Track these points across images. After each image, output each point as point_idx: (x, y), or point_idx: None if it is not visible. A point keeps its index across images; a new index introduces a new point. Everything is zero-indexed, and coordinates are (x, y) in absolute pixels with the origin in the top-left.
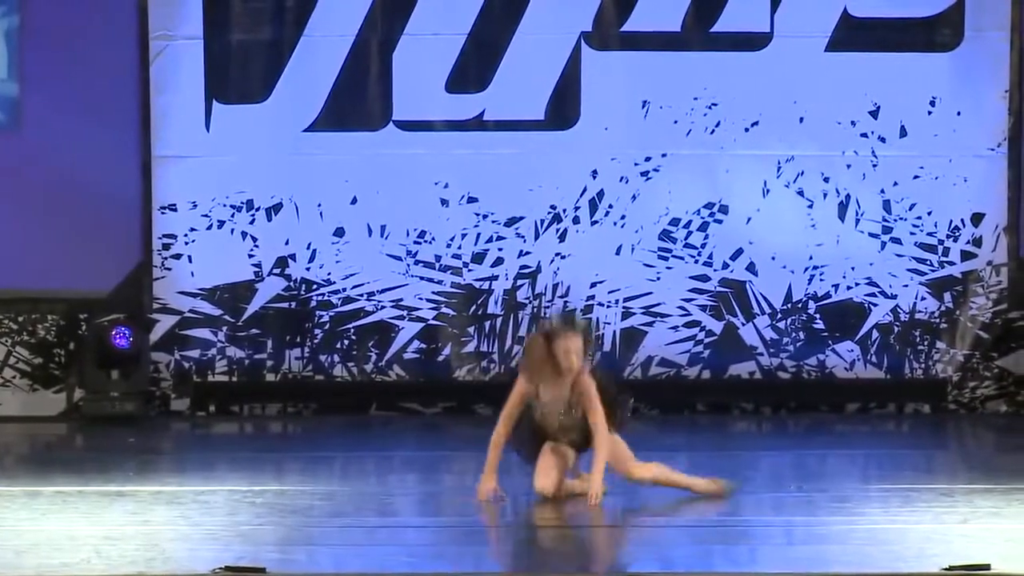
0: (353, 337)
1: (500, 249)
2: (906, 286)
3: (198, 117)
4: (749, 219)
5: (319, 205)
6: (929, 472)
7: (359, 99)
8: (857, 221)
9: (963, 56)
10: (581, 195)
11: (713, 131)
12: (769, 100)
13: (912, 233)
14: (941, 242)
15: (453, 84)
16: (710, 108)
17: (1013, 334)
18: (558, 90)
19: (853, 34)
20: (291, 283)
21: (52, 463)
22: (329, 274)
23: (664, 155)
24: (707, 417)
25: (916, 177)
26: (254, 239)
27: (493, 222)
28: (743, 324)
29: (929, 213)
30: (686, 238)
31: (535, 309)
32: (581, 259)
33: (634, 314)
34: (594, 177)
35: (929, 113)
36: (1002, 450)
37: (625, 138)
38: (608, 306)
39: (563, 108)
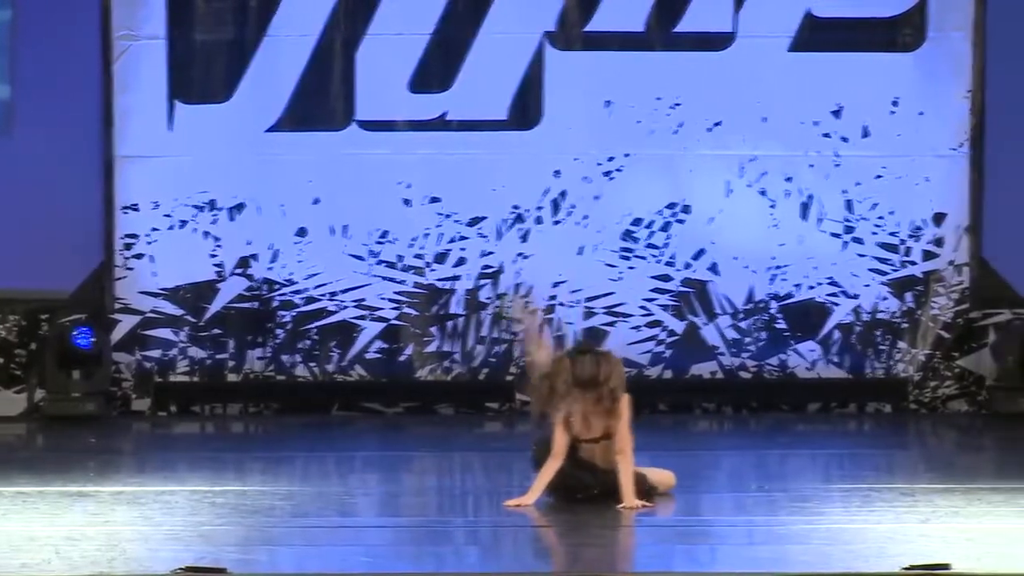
0: (315, 337)
1: (463, 249)
2: (868, 286)
3: (160, 117)
4: (711, 219)
5: (282, 205)
6: (890, 472)
7: (322, 99)
8: (819, 221)
9: (925, 56)
10: (544, 195)
11: (676, 131)
12: (732, 100)
13: (874, 233)
14: (903, 242)
15: (416, 84)
16: (673, 108)
17: (974, 334)
18: (521, 90)
19: (816, 34)
20: (253, 283)
21: (12, 463)
22: (291, 274)
23: (627, 155)
24: (669, 417)
25: (878, 177)
26: (216, 239)
27: (455, 222)
28: (705, 324)
29: (891, 213)
30: (648, 238)
31: (497, 309)
32: (543, 259)
33: (596, 314)
34: (557, 177)
35: (892, 113)
36: (963, 450)
37: (588, 138)
38: (570, 306)
39: (526, 108)
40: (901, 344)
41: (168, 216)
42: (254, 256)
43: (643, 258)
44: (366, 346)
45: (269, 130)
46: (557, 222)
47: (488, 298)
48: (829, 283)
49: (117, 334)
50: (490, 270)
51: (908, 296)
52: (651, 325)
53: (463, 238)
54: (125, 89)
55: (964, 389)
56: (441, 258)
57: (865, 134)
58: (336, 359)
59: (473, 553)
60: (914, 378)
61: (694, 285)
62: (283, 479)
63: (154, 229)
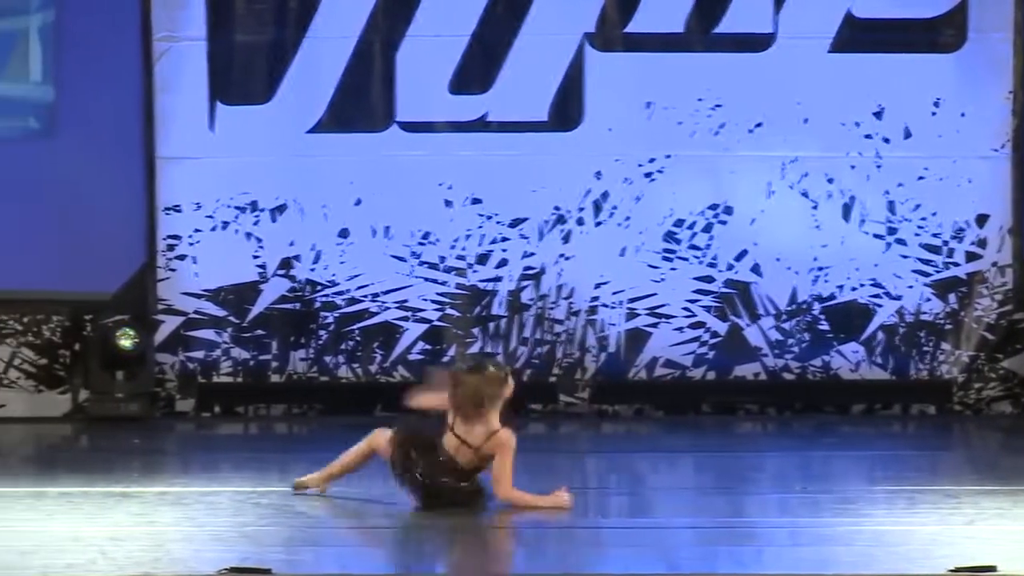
0: (358, 338)
1: (504, 250)
2: (911, 287)
3: (202, 118)
4: (753, 220)
5: (323, 206)
6: (934, 473)
7: (362, 100)
8: (862, 222)
9: (966, 57)
10: (585, 196)
11: (717, 132)
12: (773, 101)
13: (917, 234)
14: (946, 243)
15: (456, 85)
16: (714, 109)
17: (1018, 335)
18: (561, 91)
19: (856, 35)
20: (296, 284)
21: (57, 464)
22: (333, 275)
23: (668, 156)
24: (712, 418)
25: (920, 178)
26: (258, 240)
27: (497, 223)
28: (748, 325)
29: (934, 214)
30: (690, 239)
31: (539, 310)
32: (585, 260)
33: (639, 315)
34: (598, 178)
35: (933, 114)
36: (1007, 451)
37: (629, 139)
38: (613, 307)
39: (566, 109)
40: (945, 345)
41: (210, 217)
42: (296, 257)
43: (685, 259)
44: (409, 347)
45: (310, 131)
46: (599, 223)
47: (530, 299)
48: (872, 284)
49: (160, 335)
50: (532, 271)
51: (951, 297)
52: (694, 326)
53: (505, 239)
54: (166, 90)
55: (1008, 391)
56: (483, 259)
57: (907, 135)
58: (379, 360)
59: (520, 554)
60: (958, 380)
61: (737, 286)
62: None
63: (196, 230)
